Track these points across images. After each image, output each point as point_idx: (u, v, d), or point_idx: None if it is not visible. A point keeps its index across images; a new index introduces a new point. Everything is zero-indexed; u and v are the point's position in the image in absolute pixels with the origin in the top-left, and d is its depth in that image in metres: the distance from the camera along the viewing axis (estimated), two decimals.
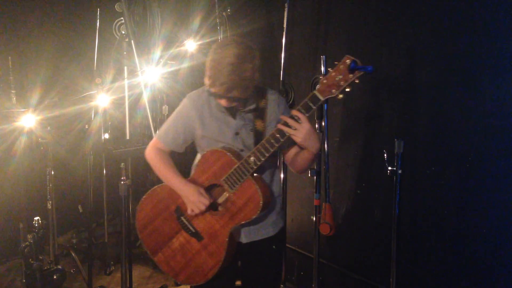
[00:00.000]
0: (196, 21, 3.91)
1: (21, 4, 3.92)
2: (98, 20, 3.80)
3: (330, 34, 3.22)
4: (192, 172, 2.17)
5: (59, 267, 3.00)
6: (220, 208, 2.07)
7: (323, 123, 2.80)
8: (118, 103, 3.61)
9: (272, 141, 1.91)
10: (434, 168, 2.64)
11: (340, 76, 1.77)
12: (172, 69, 3.84)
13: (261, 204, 1.96)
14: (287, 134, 1.88)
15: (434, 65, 2.65)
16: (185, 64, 3.87)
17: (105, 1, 3.90)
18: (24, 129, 3.21)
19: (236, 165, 1.97)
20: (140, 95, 3.60)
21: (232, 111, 2.06)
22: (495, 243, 2.40)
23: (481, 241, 2.45)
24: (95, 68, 3.87)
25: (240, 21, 3.74)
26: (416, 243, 2.76)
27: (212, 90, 1.93)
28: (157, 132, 2.20)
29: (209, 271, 2.07)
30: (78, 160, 3.96)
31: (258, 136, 2.04)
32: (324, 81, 1.81)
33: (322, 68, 2.75)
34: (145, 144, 3.52)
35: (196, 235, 2.10)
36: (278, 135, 1.90)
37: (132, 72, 3.55)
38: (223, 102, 1.99)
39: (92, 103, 3.37)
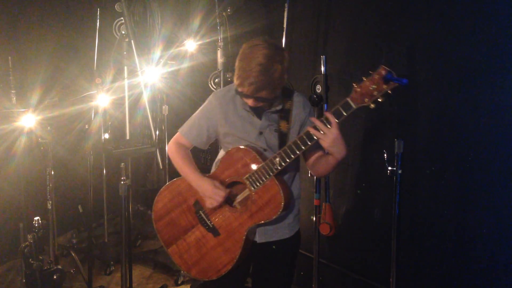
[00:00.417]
0: (196, 21, 3.91)
1: (21, 4, 3.92)
2: (98, 20, 3.80)
3: (330, 34, 3.22)
4: (214, 168, 2.19)
5: (59, 267, 2.99)
6: (239, 206, 2.09)
7: None
8: (118, 103, 3.61)
9: (299, 143, 1.92)
10: (434, 168, 2.64)
11: (374, 86, 1.76)
12: (172, 69, 3.84)
13: (282, 205, 1.97)
14: (315, 138, 1.88)
15: (434, 65, 2.65)
16: (185, 64, 3.87)
17: (105, 1, 3.90)
18: (24, 129, 3.21)
19: (261, 164, 1.99)
20: (140, 95, 3.60)
21: (257, 111, 2.07)
22: (495, 243, 2.40)
23: (481, 241, 2.45)
24: (95, 68, 3.86)
25: (240, 21, 3.74)
26: (416, 243, 2.76)
27: (240, 89, 1.93)
28: (181, 127, 2.21)
29: (223, 267, 2.09)
30: (78, 160, 3.96)
31: (282, 137, 2.06)
32: (358, 89, 1.79)
33: (322, 68, 2.75)
34: (145, 144, 3.54)
35: (213, 230, 2.11)
36: (306, 138, 1.90)
37: (132, 72, 3.55)
38: (250, 102, 2.00)
39: (92, 103, 3.37)
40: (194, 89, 4.07)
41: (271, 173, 1.98)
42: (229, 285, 2.19)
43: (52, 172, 3.45)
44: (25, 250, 2.78)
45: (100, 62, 3.91)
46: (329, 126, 1.85)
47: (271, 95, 1.95)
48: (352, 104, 1.82)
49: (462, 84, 2.52)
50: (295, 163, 2.12)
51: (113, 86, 3.47)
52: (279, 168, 1.96)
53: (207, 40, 3.76)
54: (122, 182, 2.84)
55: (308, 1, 3.38)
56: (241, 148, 2.05)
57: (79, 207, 4.10)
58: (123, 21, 3.50)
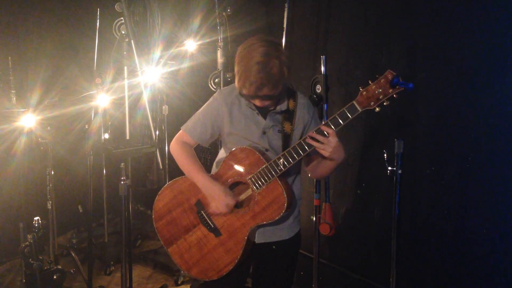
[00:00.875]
0: (196, 21, 3.91)
1: (21, 4, 3.92)
2: (98, 20, 3.80)
3: (330, 34, 3.22)
4: (216, 168, 2.18)
5: (59, 267, 2.99)
6: (242, 206, 2.09)
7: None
8: (118, 103, 3.61)
9: (304, 145, 1.93)
10: (434, 168, 2.64)
11: (380, 90, 1.79)
12: (172, 69, 3.84)
13: (285, 206, 1.98)
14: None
15: (434, 65, 2.65)
16: (185, 64, 3.87)
17: (105, 1, 3.90)
18: (24, 129, 3.22)
19: (265, 165, 1.99)
20: (140, 95, 3.60)
21: (262, 111, 2.07)
22: (495, 243, 2.40)
23: (481, 241, 2.45)
24: (95, 68, 3.87)
25: (240, 21, 3.74)
26: (416, 243, 2.76)
27: (244, 91, 1.94)
28: (184, 125, 2.20)
29: (224, 267, 2.08)
30: (78, 160, 3.96)
31: (285, 138, 2.07)
32: (364, 92, 1.82)
33: (322, 68, 2.75)
34: (145, 144, 3.54)
35: (215, 230, 2.11)
36: (306, 146, 1.92)
37: (132, 72, 3.55)
38: (257, 102, 2.01)
39: (92, 103, 3.37)
40: (194, 89, 4.07)
41: (274, 174, 1.98)
42: (230, 285, 2.18)
43: (52, 172, 3.45)
44: (25, 250, 2.78)
45: (100, 62, 3.91)
46: (327, 136, 1.88)
47: (273, 91, 1.93)
48: (358, 107, 1.84)
49: (462, 84, 2.52)
50: (297, 165, 2.12)
51: (113, 86, 3.47)
52: (283, 169, 1.97)
53: (207, 40, 3.76)
54: (122, 182, 2.84)
55: (308, 1, 3.38)
56: (244, 149, 2.05)
57: (79, 207, 4.10)
58: (123, 21, 3.50)
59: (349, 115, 1.86)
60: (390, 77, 1.77)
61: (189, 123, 2.19)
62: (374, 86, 1.80)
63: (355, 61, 3.10)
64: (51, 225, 3.53)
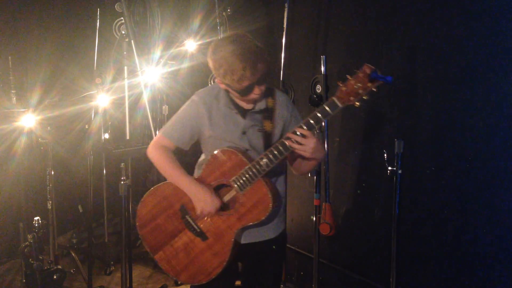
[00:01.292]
0: (196, 21, 3.91)
1: (21, 4, 3.92)
2: (98, 20, 3.80)
3: (330, 34, 3.22)
4: (198, 171, 2.16)
5: (59, 267, 2.99)
6: (227, 209, 2.07)
7: (323, 123, 2.80)
8: (118, 103, 3.61)
9: (282, 148, 1.91)
10: (434, 168, 2.64)
11: (359, 85, 1.77)
12: (172, 69, 3.84)
13: (270, 206, 1.96)
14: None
15: (434, 65, 2.65)
16: (185, 64, 3.87)
17: (105, 1, 3.90)
18: (24, 129, 3.21)
19: (248, 166, 1.96)
20: (140, 95, 3.60)
21: (242, 111, 2.06)
22: (495, 243, 2.40)
23: (481, 241, 2.45)
24: (95, 68, 3.87)
25: (240, 21, 3.74)
26: (416, 243, 2.76)
27: (231, 85, 1.92)
28: (162, 128, 2.17)
29: (213, 270, 2.07)
30: (78, 160, 3.96)
31: (266, 137, 2.05)
32: (343, 88, 1.80)
33: (322, 68, 2.75)
34: (145, 144, 3.52)
35: (201, 234, 2.09)
36: (286, 146, 1.90)
37: (132, 72, 3.55)
38: (244, 103, 2.01)
39: (92, 103, 3.37)
40: (194, 89, 4.01)
41: (258, 175, 1.95)
42: (220, 287, 2.17)
43: (52, 172, 3.45)
44: (25, 250, 2.78)
45: (100, 62, 3.91)
46: (306, 137, 1.86)
47: (257, 73, 1.90)
48: (338, 103, 1.82)
49: (462, 84, 2.52)
50: (281, 164, 2.10)
51: (113, 86, 3.47)
52: (266, 169, 1.94)
53: (207, 40, 3.76)
54: (122, 182, 2.84)
55: (308, 1, 3.38)
56: (226, 150, 2.01)
57: (79, 207, 4.11)
58: (123, 21, 3.50)
59: (329, 111, 1.83)
60: (368, 71, 1.74)
61: (167, 126, 2.15)
62: (353, 81, 1.77)
63: (355, 61, 3.09)
64: (51, 225, 3.53)
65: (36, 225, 2.90)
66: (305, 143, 1.86)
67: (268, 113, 2.06)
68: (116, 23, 3.66)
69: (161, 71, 3.73)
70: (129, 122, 3.64)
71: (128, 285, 3.04)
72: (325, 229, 2.77)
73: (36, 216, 2.94)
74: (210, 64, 1.96)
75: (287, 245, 3.40)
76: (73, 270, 3.64)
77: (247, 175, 1.97)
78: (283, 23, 3.18)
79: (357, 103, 1.80)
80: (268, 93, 2.08)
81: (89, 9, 4.05)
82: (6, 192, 3.68)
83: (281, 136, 2.02)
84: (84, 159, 3.46)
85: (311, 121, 1.86)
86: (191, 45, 3.83)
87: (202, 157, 2.22)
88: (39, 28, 4.05)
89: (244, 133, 2.05)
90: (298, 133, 1.87)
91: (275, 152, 1.92)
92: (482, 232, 2.44)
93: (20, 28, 3.95)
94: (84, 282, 3.42)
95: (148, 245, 2.20)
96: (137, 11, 3.67)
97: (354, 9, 3.09)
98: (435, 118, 2.67)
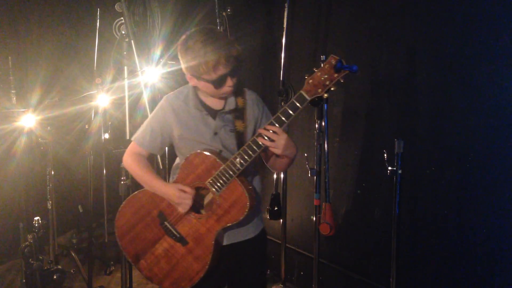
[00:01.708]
0: (196, 21, 3.91)
1: (21, 4, 3.92)
2: (98, 20, 3.80)
3: (330, 34, 3.22)
4: (174, 175, 2.15)
5: (59, 267, 3.00)
6: (205, 211, 2.05)
7: (323, 123, 2.80)
8: (118, 103, 3.61)
9: (254, 146, 1.91)
10: (434, 168, 2.64)
11: (326, 76, 1.78)
12: (172, 69, 3.84)
13: (248, 205, 1.94)
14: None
15: (434, 65, 2.65)
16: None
17: (105, 1, 3.90)
18: (24, 129, 3.21)
19: (222, 167, 1.95)
20: (140, 95, 3.60)
21: (211, 112, 2.06)
22: (495, 243, 2.40)
23: (481, 241, 2.45)
24: (95, 68, 3.87)
25: (240, 21, 3.74)
26: (416, 243, 2.76)
27: (206, 77, 1.92)
28: (133, 135, 2.17)
29: (195, 275, 2.05)
30: (78, 160, 3.96)
31: (239, 136, 2.04)
32: (310, 80, 1.81)
33: None
34: None
35: (181, 239, 2.07)
36: (258, 144, 1.90)
37: (132, 72, 3.55)
38: (215, 102, 2.02)
39: (92, 103, 3.37)
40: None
41: (233, 175, 1.94)
42: None
43: (52, 172, 3.45)
44: (25, 250, 2.77)
45: (100, 62, 3.91)
46: (276, 134, 1.86)
47: (230, 61, 1.90)
48: (305, 96, 1.82)
49: (462, 84, 2.52)
50: (256, 162, 2.10)
51: (113, 86, 3.47)
52: (241, 168, 1.93)
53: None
54: (122, 182, 2.84)
55: (308, 1, 3.38)
56: (199, 153, 2.00)
57: (79, 207, 4.10)
58: (123, 21, 3.49)
59: (298, 105, 1.83)
60: (333, 62, 1.76)
61: (138, 133, 2.15)
62: (319, 73, 1.79)
63: (355, 61, 3.09)
64: (51, 225, 3.53)
65: (36, 225, 2.91)
66: (276, 139, 1.86)
67: (238, 113, 2.06)
68: (116, 23, 3.65)
69: (161, 71, 3.73)
70: (129, 122, 3.64)
71: (128, 285, 3.04)
72: (325, 229, 2.77)
73: (36, 216, 2.94)
74: (183, 59, 1.95)
75: (287, 245, 3.40)
76: (73, 270, 3.64)
77: (222, 176, 1.96)
78: (283, 23, 3.17)
79: (326, 95, 1.82)
80: (238, 93, 2.08)
81: (89, 9, 4.06)
82: (6, 192, 3.68)
83: (253, 134, 2.01)
84: (84, 159, 3.47)
85: (282, 117, 1.86)
86: None
87: (177, 161, 2.21)
88: (39, 28, 4.05)
89: (215, 134, 2.05)
90: (269, 130, 1.86)
91: (249, 151, 1.91)
92: (482, 232, 2.44)
93: (20, 28, 3.95)
94: (84, 282, 3.42)
95: (129, 255, 2.18)
96: (137, 11, 3.67)
97: (354, 9, 3.09)
98: (435, 118, 2.67)
